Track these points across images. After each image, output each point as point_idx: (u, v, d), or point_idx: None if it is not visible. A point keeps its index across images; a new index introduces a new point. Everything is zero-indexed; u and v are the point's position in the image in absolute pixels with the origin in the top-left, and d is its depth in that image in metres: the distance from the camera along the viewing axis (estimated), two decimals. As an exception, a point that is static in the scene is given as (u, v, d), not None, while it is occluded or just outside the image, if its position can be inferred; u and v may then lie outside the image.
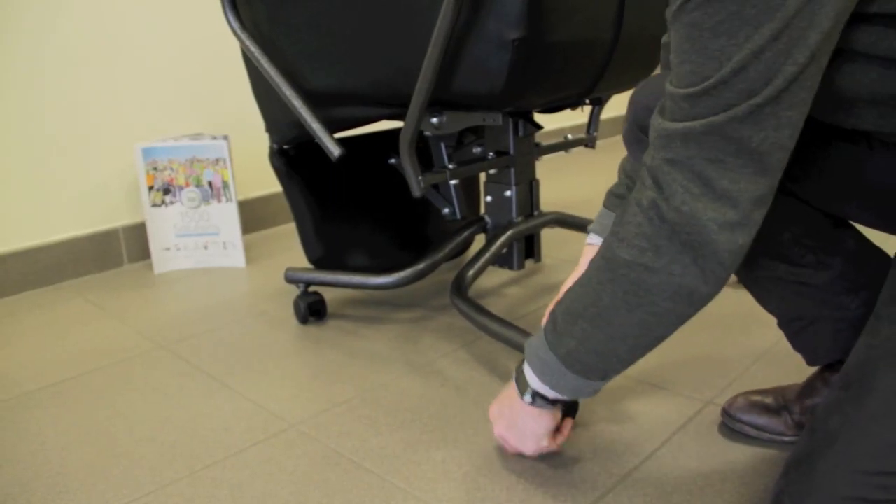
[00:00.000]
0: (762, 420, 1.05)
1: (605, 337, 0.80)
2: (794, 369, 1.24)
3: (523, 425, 0.97)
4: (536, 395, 0.92)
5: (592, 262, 0.81)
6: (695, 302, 0.74)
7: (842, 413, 0.75)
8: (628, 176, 1.06)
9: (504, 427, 0.99)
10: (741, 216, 0.68)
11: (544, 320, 0.89)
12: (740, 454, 1.02)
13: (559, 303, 0.86)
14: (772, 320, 1.42)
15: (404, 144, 1.28)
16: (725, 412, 1.08)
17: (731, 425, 1.08)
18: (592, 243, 1.09)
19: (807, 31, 0.61)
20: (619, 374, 0.86)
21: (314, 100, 1.41)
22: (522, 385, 0.93)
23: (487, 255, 1.49)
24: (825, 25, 0.61)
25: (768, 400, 1.06)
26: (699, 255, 0.70)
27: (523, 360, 0.93)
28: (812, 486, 0.76)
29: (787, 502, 0.79)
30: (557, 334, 0.85)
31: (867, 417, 0.73)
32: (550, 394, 0.90)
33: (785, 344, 1.33)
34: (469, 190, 1.91)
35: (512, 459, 1.04)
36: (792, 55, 0.62)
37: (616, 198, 1.07)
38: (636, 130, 0.98)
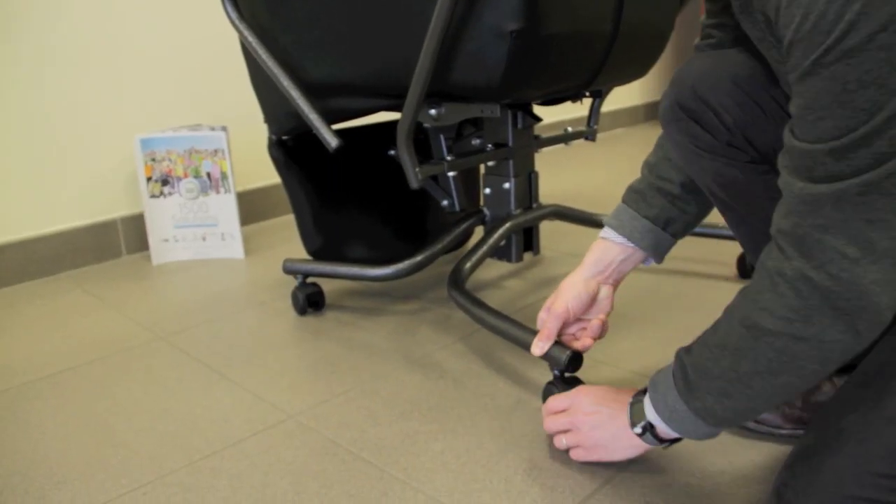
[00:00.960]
0: (766, 415, 1.05)
1: (745, 398, 0.78)
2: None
3: (615, 445, 0.95)
4: (648, 430, 0.90)
5: (726, 323, 0.79)
6: (845, 358, 0.72)
7: (857, 412, 0.75)
8: (651, 171, 1.05)
9: (587, 422, 0.96)
10: None
11: (672, 365, 0.87)
12: (738, 447, 1.02)
13: (689, 353, 0.84)
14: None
15: (401, 136, 1.28)
16: None
17: None
18: (606, 237, 1.08)
19: None
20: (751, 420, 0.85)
21: (312, 90, 1.41)
22: (637, 415, 0.91)
23: (485, 247, 1.49)
24: None
25: None
26: (858, 319, 0.68)
27: (642, 392, 0.92)
28: (818, 481, 0.75)
29: (789, 495, 0.78)
30: (690, 388, 0.83)
31: (885, 419, 0.72)
32: (668, 433, 0.88)
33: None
34: (469, 182, 1.91)
35: (511, 451, 1.04)
36: None
37: (636, 194, 1.06)
38: (677, 109, 0.94)
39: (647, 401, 0.89)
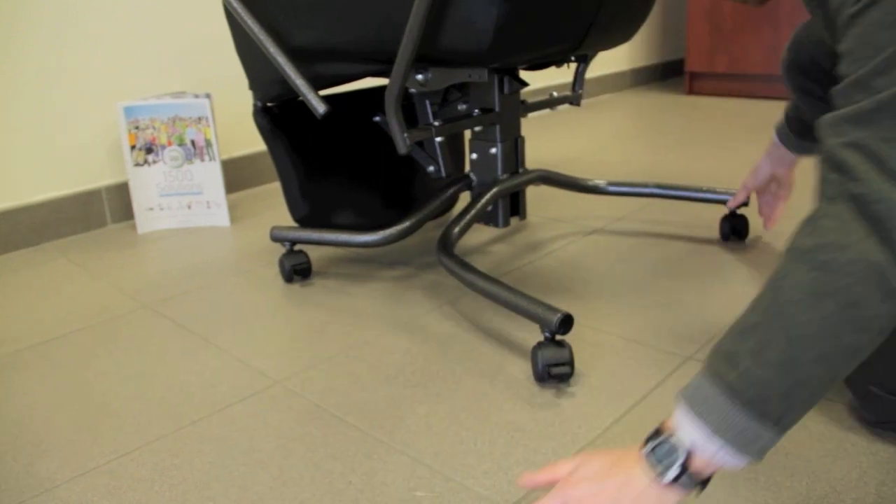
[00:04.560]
0: None
1: (786, 340, 0.67)
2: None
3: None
4: (685, 470, 0.72)
5: (767, 281, 0.72)
6: (888, 293, 0.65)
7: None
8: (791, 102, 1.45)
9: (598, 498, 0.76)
10: None
11: (707, 356, 0.74)
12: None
13: (720, 341, 0.73)
14: (754, 275, 1.43)
15: (390, 101, 1.27)
16: None
17: None
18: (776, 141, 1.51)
19: None
20: (801, 412, 0.69)
21: (298, 56, 1.40)
22: (664, 457, 0.73)
23: (473, 212, 1.49)
24: None
25: None
26: (888, 234, 0.65)
27: (657, 430, 0.76)
28: (893, 345, 0.82)
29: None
30: (723, 360, 0.71)
31: None
32: (709, 448, 0.70)
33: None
34: (455, 148, 1.90)
35: (495, 413, 1.05)
36: None
37: (788, 117, 1.46)
38: (787, 61, 1.33)
39: (676, 422, 0.74)
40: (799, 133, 1.45)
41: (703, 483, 0.74)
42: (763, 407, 0.68)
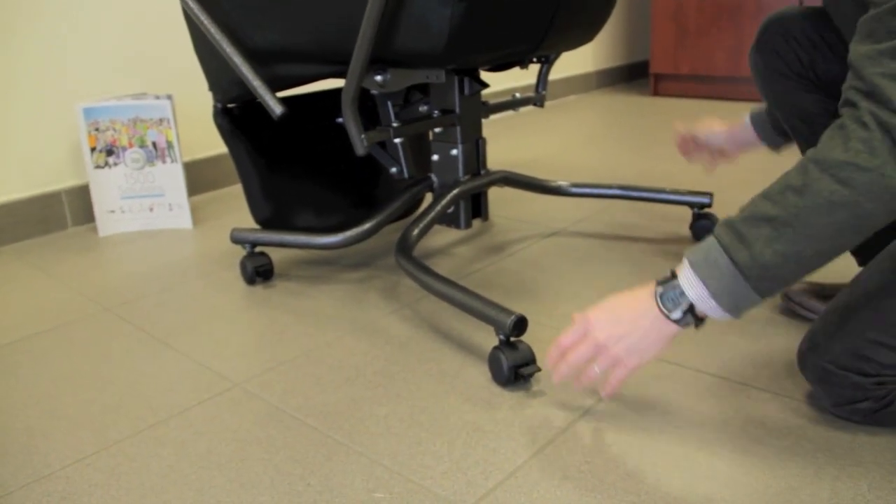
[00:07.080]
0: (813, 303, 1.24)
1: (798, 237, 0.81)
2: (735, 326, 1.27)
3: (644, 338, 0.94)
4: (688, 313, 0.90)
5: (792, 170, 0.84)
6: (891, 211, 0.79)
7: (884, 276, 0.93)
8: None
9: (613, 336, 0.95)
10: None
11: (717, 230, 0.89)
12: (678, 397, 1.05)
13: (738, 214, 0.87)
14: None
15: (346, 102, 1.27)
16: (785, 295, 1.29)
17: (787, 305, 1.29)
18: (745, 122, 1.48)
19: None
20: (785, 287, 0.86)
21: (256, 57, 1.39)
22: (671, 301, 0.91)
23: (433, 213, 1.49)
24: None
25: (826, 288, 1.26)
26: None
27: (670, 276, 0.92)
28: (846, 326, 0.94)
29: (819, 337, 0.97)
30: (736, 238, 0.85)
31: None
32: (706, 304, 0.89)
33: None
34: (421, 149, 1.90)
35: (454, 414, 1.05)
36: None
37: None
38: (764, 40, 1.23)
39: (682, 279, 0.90)
40: (781, 131, 1.44)
41: (699, 321, 0.92)
42: (760, 284, 0.84)
